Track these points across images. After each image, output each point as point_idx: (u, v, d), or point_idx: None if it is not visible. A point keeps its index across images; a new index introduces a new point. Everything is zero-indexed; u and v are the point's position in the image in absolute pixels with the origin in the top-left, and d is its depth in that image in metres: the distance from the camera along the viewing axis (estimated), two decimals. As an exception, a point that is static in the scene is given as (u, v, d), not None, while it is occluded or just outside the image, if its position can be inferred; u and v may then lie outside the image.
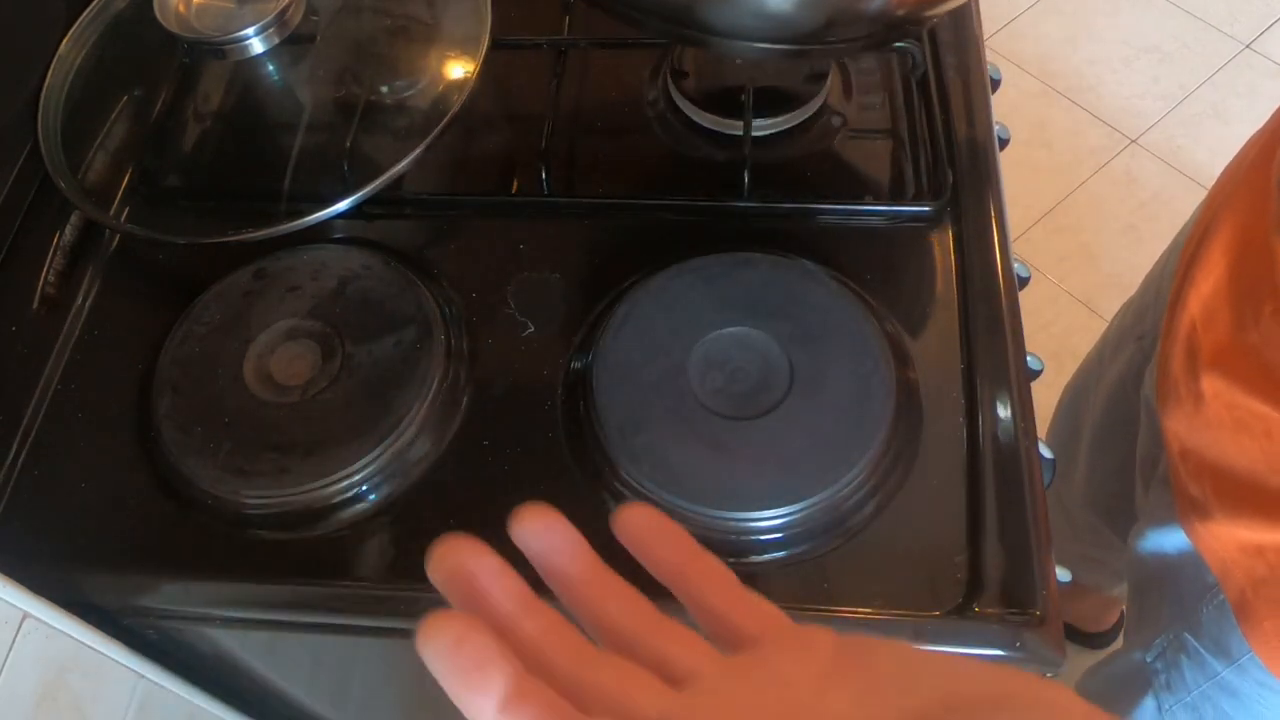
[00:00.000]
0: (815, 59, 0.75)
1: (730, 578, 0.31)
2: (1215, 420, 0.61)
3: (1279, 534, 0.58)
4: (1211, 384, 0.62)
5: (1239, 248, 0.62)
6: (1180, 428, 0.65)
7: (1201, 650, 0.68)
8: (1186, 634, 0.69)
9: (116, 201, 0.73)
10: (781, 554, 0.57)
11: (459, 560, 0.31)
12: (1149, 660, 0.74)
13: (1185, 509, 0.65)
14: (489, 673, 0.26)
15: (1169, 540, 0.69)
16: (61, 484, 0.62)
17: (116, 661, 0.61)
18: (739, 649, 0.30)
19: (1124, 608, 0.98)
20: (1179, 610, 0.70)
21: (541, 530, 0.32)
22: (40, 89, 0.73)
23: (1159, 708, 0.75)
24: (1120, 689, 0.79)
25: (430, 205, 0.73)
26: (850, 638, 0.30)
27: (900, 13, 0.62)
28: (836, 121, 0.75)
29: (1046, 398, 1.10)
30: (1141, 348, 0.85)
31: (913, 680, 0.28)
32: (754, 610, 0.31)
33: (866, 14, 0.62)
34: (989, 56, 0.78)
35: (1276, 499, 0.58)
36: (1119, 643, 1.02)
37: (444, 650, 0.27)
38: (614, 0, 0.65)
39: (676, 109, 0.76)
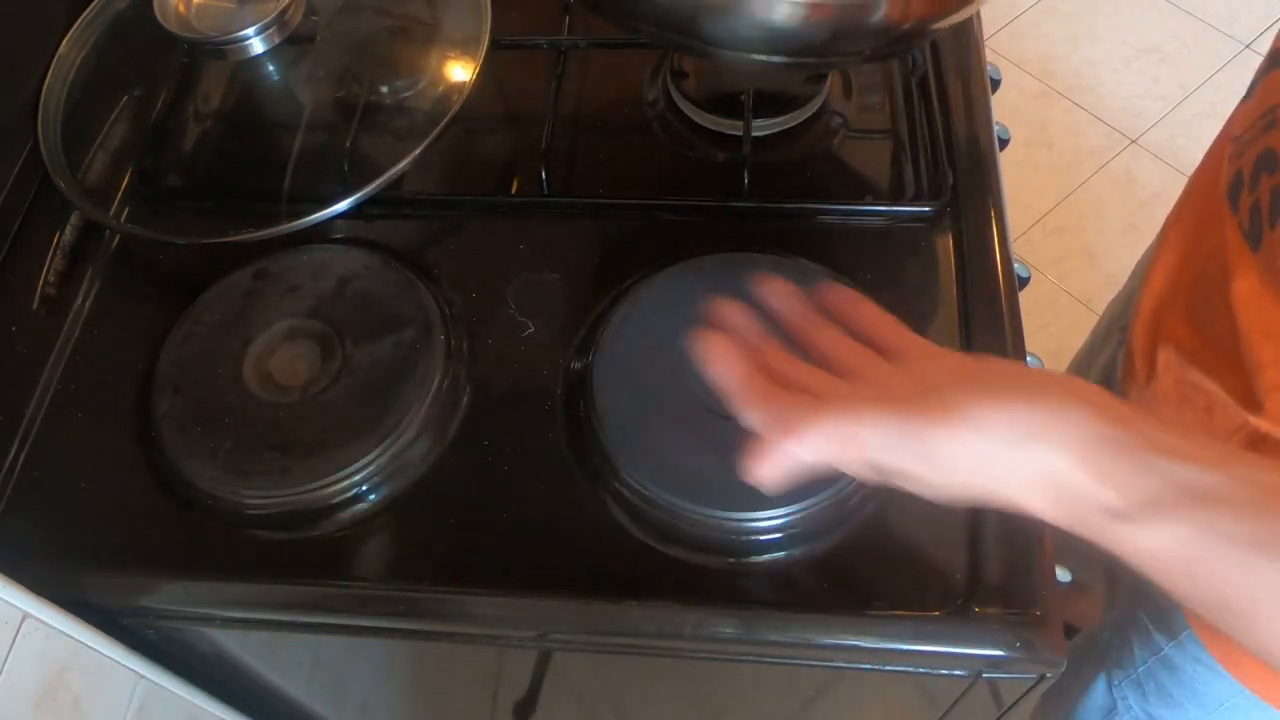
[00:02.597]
0: (816, 69, 0.74)
1: (881, 315, 0.49)
2: (1163, 394, 0.63)
3: None
4: (1165, 357, 0.63)
5: (1196, 221, 0.64)
6: (1132, 400, 0.66)
7: (1149, 627, 0.69)
8: (1139, 611, 0.70)
9: (116, 201, 0.73)
10: (781, 554, 0.57)
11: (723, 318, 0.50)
12: (1105, 636, 0.75)
13: None
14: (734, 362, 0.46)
15: None
16: (61, 484, 0.62)
17: (116, 661, 0.61)
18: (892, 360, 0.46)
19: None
20: (1134, 587, 0.71)
21: (773, 294, 0.50)
22: (40, 89, 0.73)
23: (1109, 684, 0.76)
24: (1078, 665, 0.80)
25: (430, 205, 0.73)
26: (969, 355, 0.47)
27: (905, 27, 0.62)
28: (836, 122, 0.75)
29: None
30: (1123, 339, 0.86)
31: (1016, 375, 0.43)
32: (900, 335, 0.47)
33: (870, 29, 0.62)
34: (989, 56, 0.78)
35: None
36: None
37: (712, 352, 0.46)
38: (614, 10, 0.65)
39: (676, 109, 0.76)
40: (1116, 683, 0.75)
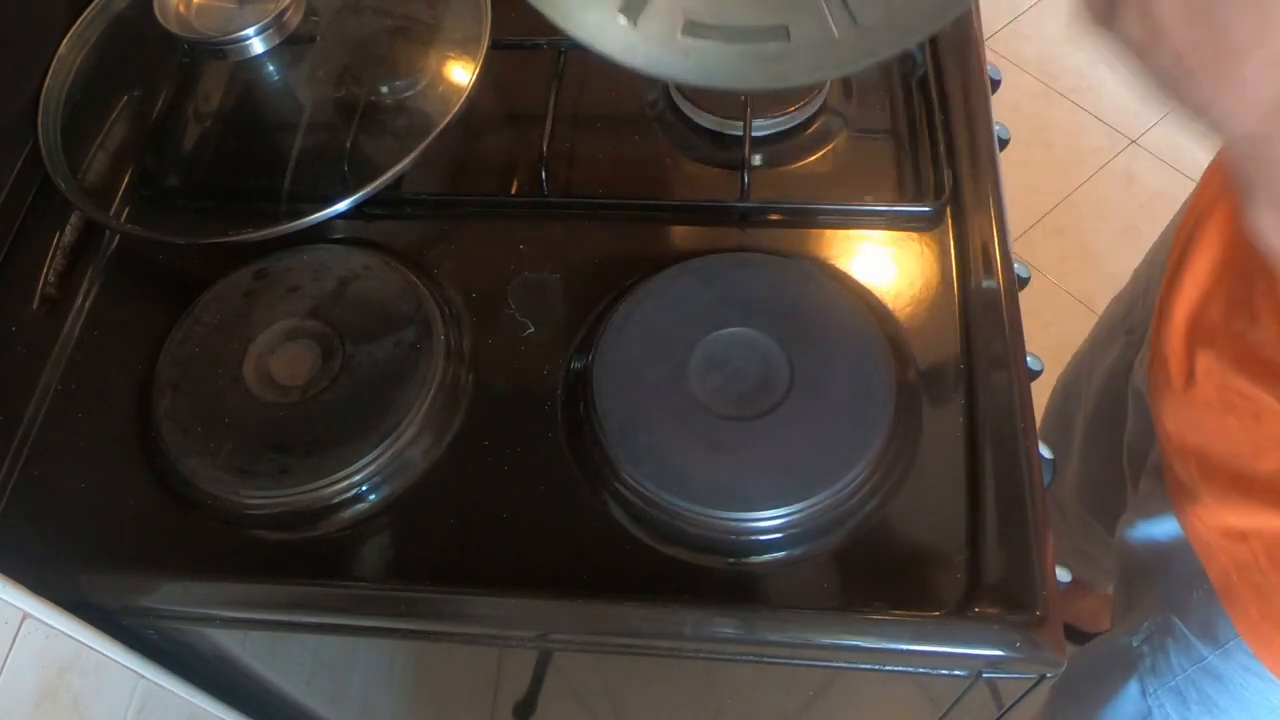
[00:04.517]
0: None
1: None
2: (1203, 400, 0.62)
3: (1262, 520, 0.58)
4: (1204, 363, 0.62)
5: (1234, 229, 0.63)
6: (1167, 408, 0.65)
7: (1189, 634, 0.68)
8: (1175, 618, 0.69)
9: (116, 201, 0.73)
10: (781, 554, 0.57)
11: None
12: (1135, 644, 0.74)
13: (1175, 490, 0.65)
14: None
15: (1160, 528, 0.69)
16: (61, 484, 0.62)
17: (116, 661, 0.61)
18: None
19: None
20: (1168, 595, 0.70)
21: None
22: (40, 89, 0.73)
23: (1143, 691, 0.75)
24: (1105, 671, 0.80)
25: (430, 205, 0.73)
26: None
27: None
28: (836, 121, 0.75)
29: (1046, 398, 1.10)
30: (1131, 341, 0.85)
31: None
32: None
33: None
34: (989, 56, 0.78)
35: (1261, 485, 0.58)
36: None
37: None
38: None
39: (676, 109, 0.76)
40: (1151, 690, 0.74)
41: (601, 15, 0.47)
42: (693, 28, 0.46)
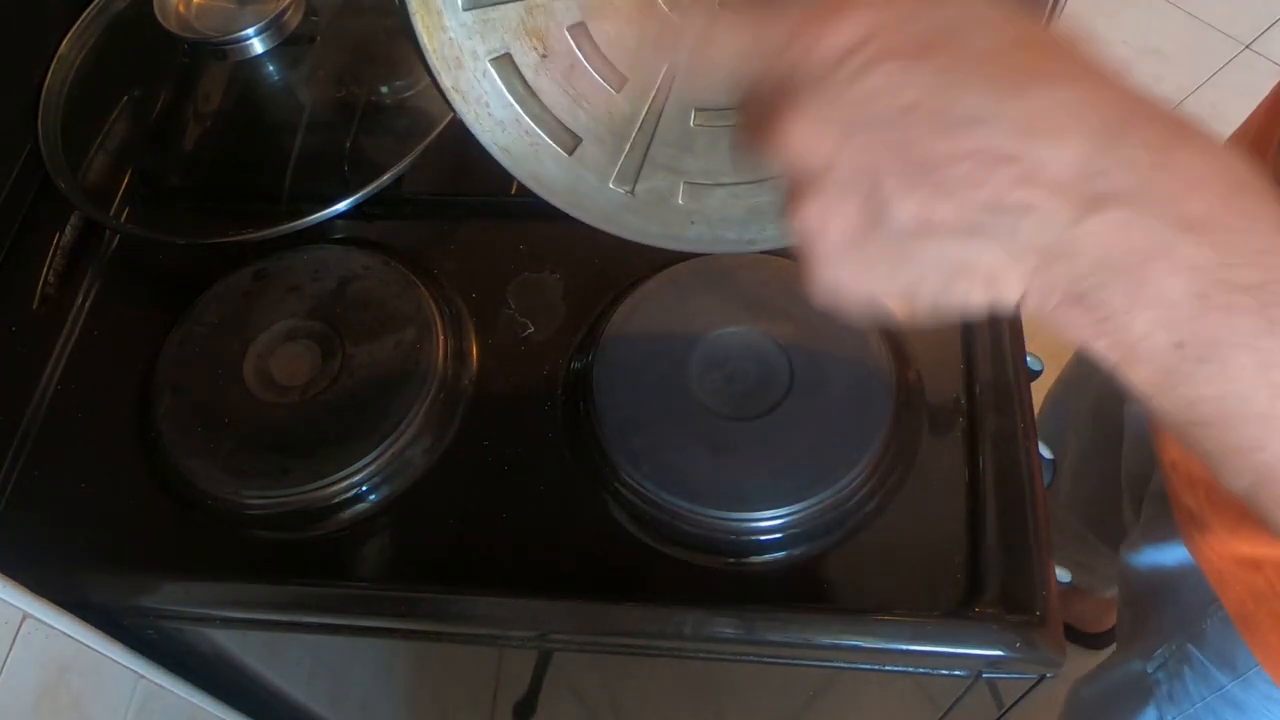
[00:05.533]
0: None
1: None
2: None
3: (1277, 548, 0.58)
4: None
5: None
6: (1170, 439, 0.64)
7: (1206, 662, 0.67)
8: (1190, 645, 0.68)
9: (116, 201, 0.73)
10: (781, 554, 0.57)
11: None
12: (1150, 671, 0.73)
13: (1183, 519, 0.64)
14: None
15: (1168, 555, 0.69)
16: (61, 484, 0.62)
17: (116, 661, 0.61)
18: None
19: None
20: (1181, 622, 0.69)
21: None
22: (40, 89, 0.73)
23: (1160, 719, 0.74)
24: (1120, 699, 0.79)
25: (430, 205, 0.73)
26: None
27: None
28: (836, 121, 0.75)
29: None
30: None
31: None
32: None
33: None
34: (989, 56, 0.78)
35: None
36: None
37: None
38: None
39: (676, 109, 0.76)
40: (1170, 718, 0.73)
41: (602, 190, 0.47)
42: (693, 190, 0.45)
